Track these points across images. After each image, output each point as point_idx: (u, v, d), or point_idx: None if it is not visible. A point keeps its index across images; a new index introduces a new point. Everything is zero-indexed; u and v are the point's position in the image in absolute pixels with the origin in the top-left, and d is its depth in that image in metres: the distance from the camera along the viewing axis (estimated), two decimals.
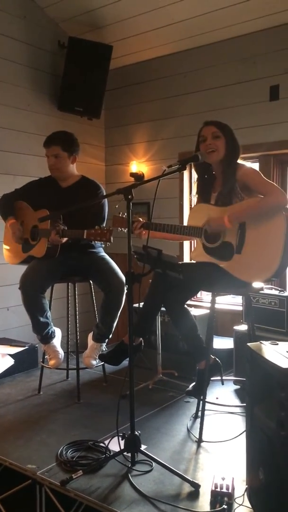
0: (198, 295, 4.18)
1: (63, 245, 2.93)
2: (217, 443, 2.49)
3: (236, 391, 3.24)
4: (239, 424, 2.70)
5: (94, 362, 3.13)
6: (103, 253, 3.22)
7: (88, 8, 4.02)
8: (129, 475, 2.17)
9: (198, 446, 2.47)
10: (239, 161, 2.61)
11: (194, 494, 2.02)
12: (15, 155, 3.98)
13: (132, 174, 4.53)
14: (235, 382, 3.27)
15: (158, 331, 3.43)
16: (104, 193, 3.20)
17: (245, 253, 2.46)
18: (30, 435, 2.61)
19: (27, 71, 4.09)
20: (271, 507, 1.72)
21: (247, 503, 1.91)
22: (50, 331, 3.13)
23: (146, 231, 2.64)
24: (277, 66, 3.72)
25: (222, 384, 2.84)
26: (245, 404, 2.09)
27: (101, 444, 2.42)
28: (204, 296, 4.24)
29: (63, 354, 3.20)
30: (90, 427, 2.69)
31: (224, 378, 2.78)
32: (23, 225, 3.17)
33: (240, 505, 1.91)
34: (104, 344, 3.18)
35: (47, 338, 3.13)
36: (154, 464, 2.22)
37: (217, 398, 3.08)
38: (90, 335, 3.22)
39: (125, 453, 2.24)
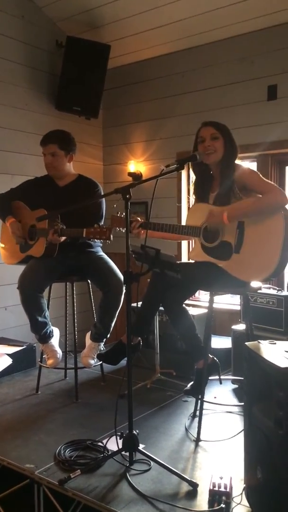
0: (196, 294, 4.18)
1: (61, 245, 2.93)
2: (215, 442, 2.49)
3: (234, 390, 3.24)
4: (237, 423, 2.70)
5: (92, 362, 3.13)
6: (101, 253, 3.22)
7: (86, 7, 4.02)
8: (127, 474, 2.17)
9: (196, 445, 2.47)
10: (237, 161, 2.62)
11: (192, 493, 2.02)
12: (13, 155, 3.98)
13: (130, 174, 4.53)
14: (233, 382, 3.27)
15: (156, 330, 3.43)
16: (102, 191, 3.20)
17: (244, 253, 2.47)
18: (28, 434, 2.61)
19: (25, 71, 4.09)
20: (269, 506, 1.72)
21: (245, 502, 1.91)
22: (48, 331, 3.13)
23: (144, 231, 2.64)
24: (275, 66, 3.73)
25: (220, 383, 2.84)
26: (243, 403, 2.09)
27: (99, 444, 2.42)
28: (202, 296, 4.25)
29: (61, 353, 3.20)
30: (88, 426, 2.69)
31: (222, 377, 2.79)
32: (20, 225, 3.16)
33: (238, 504, 1.92)
34: (102, 344, 3.18)
35: (45, 337, 3.13)
36: (152, 463, 2.22)
37: (215, 397, 3.08)
38: (88, 335, 3.22)
39: (123, 453, 2.24)
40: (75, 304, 3.16)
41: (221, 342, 3.65)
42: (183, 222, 2.85)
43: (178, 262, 2.60)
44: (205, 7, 3.69)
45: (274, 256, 2.37)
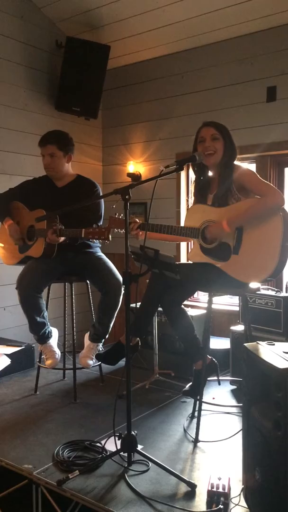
0: (195, 295, 4.18)
1: (60, 245, 2.93)
2: (214, 443, 2.49)
3: (233, 391, 3.24)
4: (235, 424, 2.70)
5: (90, 362, 3.13)
6: (100, 253, 3.22)
7: (85, 8, 4.02)
8: (126, 475, 2.17)
9: (195, 446, 2.47)
10: (236, 162, 2.62)
11: (191, 494, 2.02)
12: (12, 155, 3.98)
13: (129, 175, 4.54)
14: (232, 382, 3.28)
15: (155, 331, 3.44)
16: (100, 191, 3.21)
17: (242, 254, 2.47)
18: (26, 435, 2.61)
19: (24, 71, 4.09)
20: (267, 507, 1.72)
21: (243, 503, 1.91)
22: (46, 331, 3.13)
23: (143, 232, 2.64)
24: (274, 67, 3.73)
25: (219, 384, 2.84)
26: (241, 404, 2.09)
27: (98, 444, 2.42)
28: (201, 297, 4.25)
29: (59, 354, 3.20)
30: (86, 427, 2.69)
31: (220, 378, 2.79)
32: (19, 225, 3.16)
33: (236, 505, 1.92)
34: (100, 344, 3.18)
35: (43, 338, 3.13)
36: (150, 464, 2.22)
37: (213, 398, 3.08)
38: (87, 335, 3.22)
39: (121, 453, 2.24)
40: (73, 304, 3.16)
41: (219, 343, 3.66)
42: (182, 223, 2.85)
43: (177, 263, 2.60)
44: (205, 8, 3.70)
45: (272, 257, 2.37)
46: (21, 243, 3.15)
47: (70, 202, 2.86)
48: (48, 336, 3.14)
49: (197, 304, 4.09)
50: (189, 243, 4.17)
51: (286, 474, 1.60)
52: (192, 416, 2.80)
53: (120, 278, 3.00)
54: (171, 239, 2.92)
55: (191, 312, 3.43)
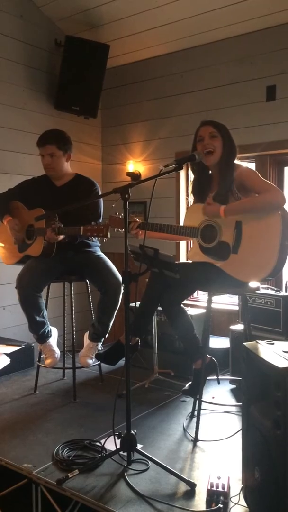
0: (195, 294, 4.18)
1: (59, 244, 2.93)
2: (213, 442, 2.49)
3: (232, 390, 3.25)
4: (235, 423, 2.70)
5: (90, 362, 3.13)
6: (99, 252, 3.22)
7: (84, 7, 4.02)
8: (125, 474, 2.17)
9: (194, 445, 2.47)
10: (236, 161, 2.62)
11: (190, 493, 2.02)
12: (11, 154, 3.97)
13: (129, 174, 4.53)
14: (231, 382, 3.28)
15: (154, 330, 3.44)
16: (99, 190, 3.21)
17: (242, 253, 2.47)
18: (26, 434, 2.61)
19: (23, 70, 4.09)
20: (266, 506, 1.72)
21: (242, 502, 1.92)
22: (46, 330, 3.13)
23: (143, 231, 2.64)
24: (274, 67, 3.73)
25: (218, 383, 2.84)
26: (241, 404, 2.09)
27: (97, 443, 2.42)
28: (201, 296, 4.25)
29: (59, 353, 3.20)
30: (86, 426, 2.69)
31: (220, 377, 2.79)
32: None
33: (235, 504, 1.92)
34: (100, 344, 3.18)
35: (43, 337, 3.13)
36: (150, 463, 2.22)
37: (213, 397, 3.09)
38: (86, 335, 3.22)
39: (121, 452, 2.24)
40: (73, 303, 3.16)
41: (219, 342, 3.66)
42: (182, 223, 2.85)
43: (176, 262, 2.60)
44: (204, 7, 3.69)
45: (272, 256, 2.37)
46: (21, 240, 3.15)
47: (69, 201, 2.86)
48: (47, 335, 3.14)
49: (197, 304, 4.09)
50: (189, 242, 4.17)
51: (285, 473, 1.61)
52: (191, 415, 2.80)
53: (120, 278, 3.00)
54: (171, 238, 2.92)
55: (190, 311, 3.42)
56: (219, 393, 3.16)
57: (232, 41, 3.94)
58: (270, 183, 2.58)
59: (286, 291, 3.27)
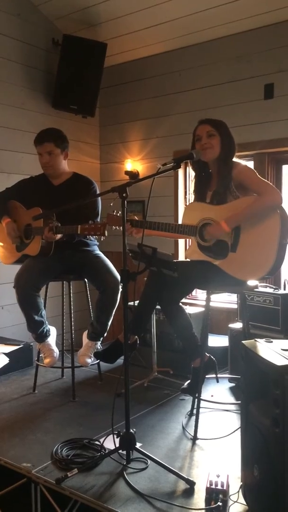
0: (193, 293, 4.18)
1: (57, 243, 2.93)
2: (212, 440, 2.49)
3: (231, 388, 3.25)
4: (234, 421, 2.71)
5: (89, 361, 3.13)
6: (97, 251, 3.21)
7: (82, 5, 4.01)
8: (124, 472, 2.17)
9: (193, 443, 2.47)
10: (235, 159, 2.62)
11: (189, 492, 2.03)
12: (9, 153, 3.97)
13: (127, 172, 4.53)
14: (230, 380, 3.28)
15: (153, 329, 3.44)
16: (97, 189, 3.20)
17: (240, 252, 2.47)
18: (25, 433, 2.61)
19: (21, 69, 4.08)
20: (265, 504, 1.73)
21: (241, 500, 1.92)
22: (45, 330, 3.12)
23: (138, 230, 2.64)
24: (272, 65, 3.73)
25: (217, 381, 2.84)
26: (239, 402, 2.09)
27: (96, 442, 2.43)
28: (199, 294, 4.25)
29: (58, 352, 3.20)
30: (85, 425, 2.69)
31: (219, 375, 2.79)
32: (16, 224, 3.16)
33: (234, 502, 1.92)
34: (99, 343, 3.18)
35: (42, 336, 3.13)
36: (149, 461, 2.22)
37: (212, 395, 3.09)
38: (85, 334, 3.22)
39: (120, 451, 2.25)
40: (72, 303, 3.16)
41: (218, 341, 3.66)
42: (180, 221, 2.85)
43: (175, 260, 2.60)
44: (202, 5, 3.69)
45: (270, 255, 2.37)
46: (18, 241, 3.15)
47: (67, 200, 2.86)
48: (46, 334, 3.14)
49: (195, 302, 4.09)
50: (187, 240, 4.17)
51: (284, 470, 1.61)
52: (190, 414, 2.81)
53: (118, 276, 3.00)
54: (169, 236, 2.92)
55: (189, 310, 3.42)
56: (218, 392, 3.17)
57: (230, 39, 3.94)
58: (268, 182, 2.58)
59: (284, 289, 3.28)
